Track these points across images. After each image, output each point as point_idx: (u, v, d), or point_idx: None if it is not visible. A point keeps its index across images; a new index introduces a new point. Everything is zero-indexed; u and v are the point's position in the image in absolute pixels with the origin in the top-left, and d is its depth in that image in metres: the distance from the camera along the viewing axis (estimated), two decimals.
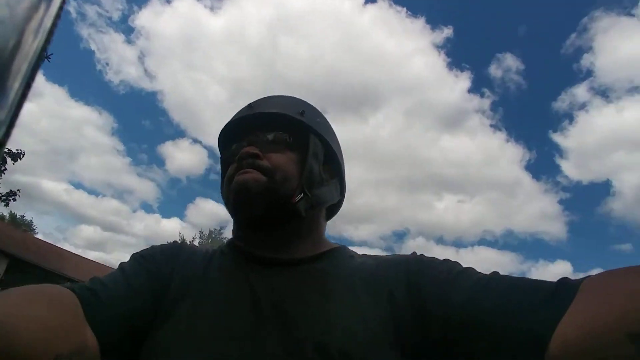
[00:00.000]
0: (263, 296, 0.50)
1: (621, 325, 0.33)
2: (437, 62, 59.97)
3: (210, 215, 43.58)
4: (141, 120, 58.47)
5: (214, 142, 0.68)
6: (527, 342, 0.38)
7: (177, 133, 54.44)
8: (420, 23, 61.60)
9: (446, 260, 0.52)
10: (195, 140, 52.22)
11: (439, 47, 58.59)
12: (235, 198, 0.56)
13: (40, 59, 0.16)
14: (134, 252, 0.59)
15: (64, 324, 0.41)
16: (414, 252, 0.56)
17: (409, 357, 0.45)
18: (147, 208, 52.61)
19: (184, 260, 0.58)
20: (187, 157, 52.51)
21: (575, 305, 0.37)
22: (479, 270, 0.49)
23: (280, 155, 0.58)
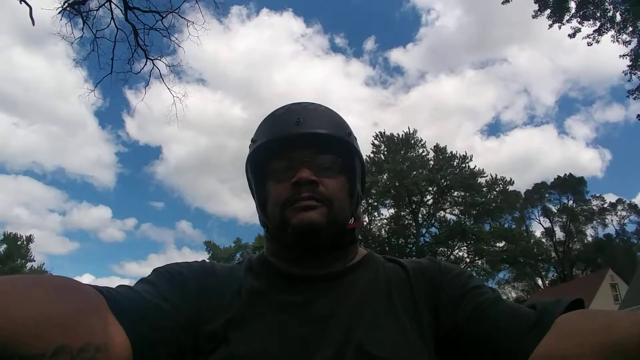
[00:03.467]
0: (307, 312, 0.52)
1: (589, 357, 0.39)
2: None
3: None
4: None
5: None
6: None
7: None
8: None
9: (463, 273, 0.57)
10: None
11: None
12: (300, 235, 0.55)
13: None
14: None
15: (76, 314, 0.36)
16: (433, 260, 0.61)
17: (433, 355, 0.50)
18: None
19: (217, 281, 0.56)
20: None
21: (547, 339, 0.44)
22: None
23: (334, 181, 0.57)
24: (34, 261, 36.05)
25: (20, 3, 6.13)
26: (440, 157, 23.47)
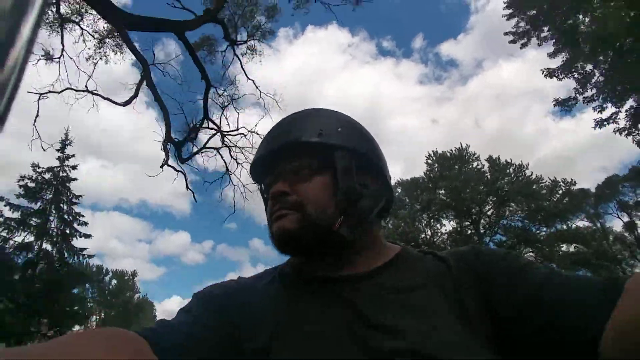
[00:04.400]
0: (345, 314, 0.50)
1: None
2: None
3: None
4: None
5: None
6: (581, 336, 0.42)
7: None
8: None
9: (508, 254, 0.54)
10: None
11: None
12: (278, 243, 0.56)
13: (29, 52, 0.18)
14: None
15: None
16: (473, 246, 0.58)
17: (488, 351, 0.46)
18: None
19: (255, 296, 0.57)
20: None
21: (623, 303, 0.40)
22: None
23: (307, 184, 0.56)
24: (139, 292, 42.10)
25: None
26: (495, 168, 24.38)
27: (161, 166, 8.60)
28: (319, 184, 0.57)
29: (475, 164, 25.36)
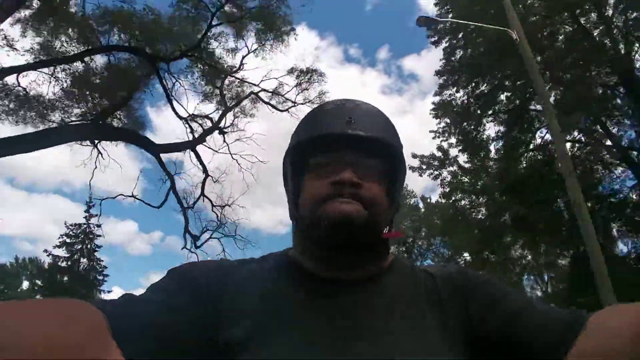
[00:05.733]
0: (334, 317, 0.51)
1: None
2: None
3: None
4: None
5: None
6: None
7: None
8: None
9: (491, 279, 0.58)
10: None
11: None
12: (333, 226, 0.53)
13: None
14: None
15: (80, 340, 0.34)
16: (460, 267, 0.61)
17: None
18: None
19: (237, 282, 0.55)
20: None
21: (581, 338, 0.45)
22: None
23: (377, 186, 0.56)
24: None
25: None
26: (427, 206, 28.35)
27: (182, 249, 10.78)
28: (384, 190, 0.58)
29: (412, 201, 29.34)
